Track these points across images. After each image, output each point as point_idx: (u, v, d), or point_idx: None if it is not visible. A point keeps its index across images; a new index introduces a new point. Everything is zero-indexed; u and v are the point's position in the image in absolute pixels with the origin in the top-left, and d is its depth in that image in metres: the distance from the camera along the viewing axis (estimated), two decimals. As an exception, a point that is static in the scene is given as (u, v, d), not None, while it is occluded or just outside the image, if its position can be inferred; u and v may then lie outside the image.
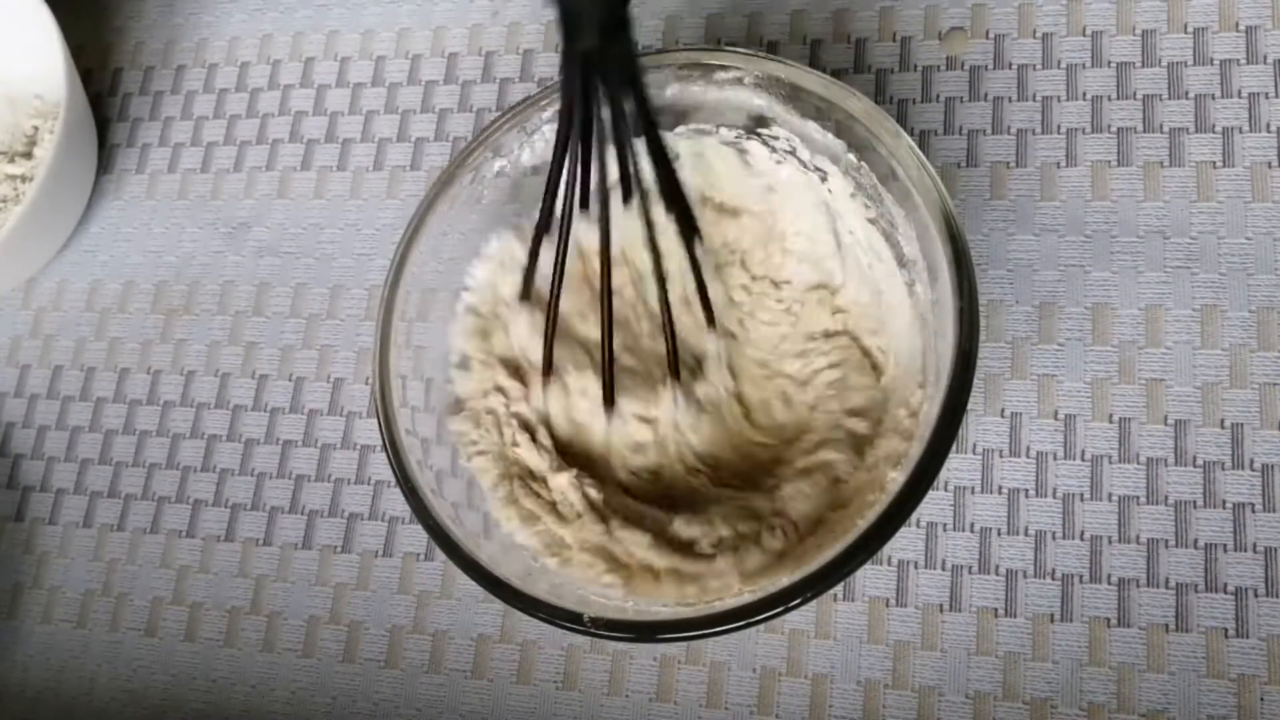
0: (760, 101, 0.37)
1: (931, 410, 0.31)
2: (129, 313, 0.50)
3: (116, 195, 0.53)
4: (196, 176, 0.52)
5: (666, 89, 0.37)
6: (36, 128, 0.52)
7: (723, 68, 0.36)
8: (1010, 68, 0.43)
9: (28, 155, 0.52)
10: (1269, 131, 0.40)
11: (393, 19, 0.52)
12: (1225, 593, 0.36)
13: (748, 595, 0.31)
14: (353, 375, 0.46)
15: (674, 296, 0.37)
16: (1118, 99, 0.42)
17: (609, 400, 0.36)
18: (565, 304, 0.37)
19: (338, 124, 0.50)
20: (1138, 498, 0.37)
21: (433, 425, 0.37)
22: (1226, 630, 0.36)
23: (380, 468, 0.44)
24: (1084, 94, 0.42)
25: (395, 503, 0.44)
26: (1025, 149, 0.42)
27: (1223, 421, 0.38)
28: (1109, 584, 0.37)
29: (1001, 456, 0.39)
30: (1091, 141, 0.42)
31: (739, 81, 0.36)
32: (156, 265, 0.51)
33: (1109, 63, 0.42)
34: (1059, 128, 0.42)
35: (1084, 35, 0.43)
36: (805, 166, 0.38)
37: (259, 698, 0.43)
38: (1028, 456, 0.39)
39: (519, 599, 0.32)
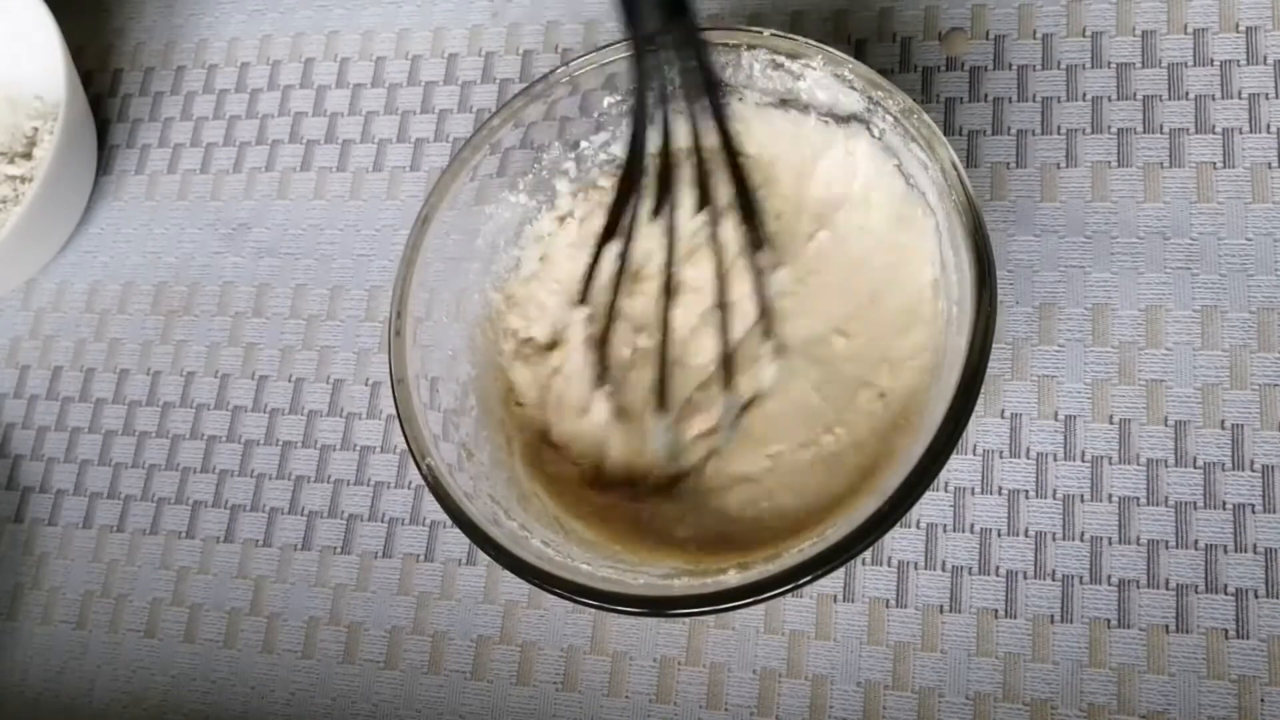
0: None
1: (938, 406, 0.31)
2: (128, 314, 0.50)
3: (116, 196, 0.53)
4: (196, 177, 0.52)
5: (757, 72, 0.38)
6: (36, 129, 0.52)
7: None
8: (1010, 68, 0.43)
9: (27, 156, 0.52)
10: (1269, 132, 0.40)
11: (392, 20, 0.52)
12: (1225, 594, 0.36)
13: (752, 573, 0.32)
14: (352, 376, 0.46)
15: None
16: (1118, 100, 0.42)
17: (661, 404, 0.37)
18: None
19: (337, 125, 0.50)
20: (1138, 499, 0.37)
21: (439, 421, 0.37)
22: (1227, 631, 0.36)
23: (380, 469, 0.44)
24: (1084, 95, 0.42)
25: (394, 504, 0.44)
26: (1025, 150, 0.42)
27: (1223, 422, 0.38)
28: (1109, 585, 0.37)
29: (1002, 457, 0.39)
30: (1091, 142, 0.42)
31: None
32: (156, 266, 0.51)
33: (1109, 63, 0.42)
34: (1059, 128, 0.42)
35: (1084, 36, 0.43)
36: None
37: (259, 699, 0.43)
38: (1028, 457, 0.39)
39: (537, 574, 0.32)
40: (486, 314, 0.40)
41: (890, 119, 0.35)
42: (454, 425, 0.37)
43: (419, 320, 0.37)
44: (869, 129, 0.36)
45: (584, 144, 0.40)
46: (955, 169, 0.33)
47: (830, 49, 0.36)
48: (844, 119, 0.37)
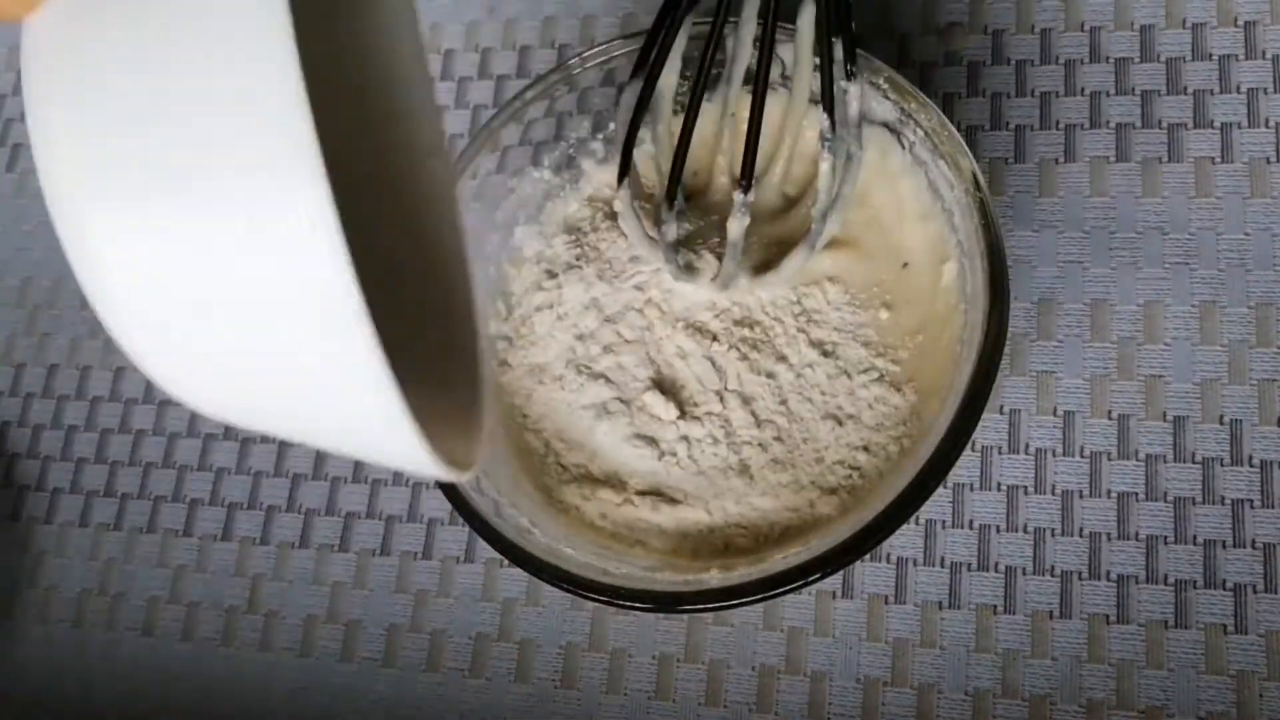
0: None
1: (941, 421, 0.31)
2: (125, 311, 0.50)
3: (112, 193, 0.52)
4: (192, 174, 0.52)
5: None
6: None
7: None
8: (1008, 64, 0.43)
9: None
10: (1267, 127, 0.40)
11: (389, 16, 0.51)
12: (1224, 589, 0.36)
13: (757, 571, 0.32)
14: (350, 373, 0.46)
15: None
16: (1116, 95, 0.42)
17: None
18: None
19: (334, 121, 0.50)
20: (1136, 494, 0.37)
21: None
22: (1225, 626, 0.36)
23: (377, 466, 0.44)
24: (1082, 90, 0.42)
25: (392, 501, 0.44)
26: (1024, 145, 0.42)
27: (1221, 418, 0.38)
28: (1108, 581, 0.37)
29: (1000, 453, 0.39)
30: (1090, 137, 0.41)
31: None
32: (152, 263, 0.51)
33: (1107, 58, 0.42)
34: (1057, 123, 0.42)
35: (1082, 31, 0.43)
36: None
37: (256, 697, 0.42)
38: (1026, 453, 0.39)
39: (544, 567, 0.32)
40: (500, 287, 0.40)
41: (921, 133, 0.35)
42: None
43: None
44: (900, 140, 0.37)
45: (612, 126, 0.40)
46: (980, 191, 0.33)
47: (869, 56, 0.36)
48: (877, 126, 0.37)
